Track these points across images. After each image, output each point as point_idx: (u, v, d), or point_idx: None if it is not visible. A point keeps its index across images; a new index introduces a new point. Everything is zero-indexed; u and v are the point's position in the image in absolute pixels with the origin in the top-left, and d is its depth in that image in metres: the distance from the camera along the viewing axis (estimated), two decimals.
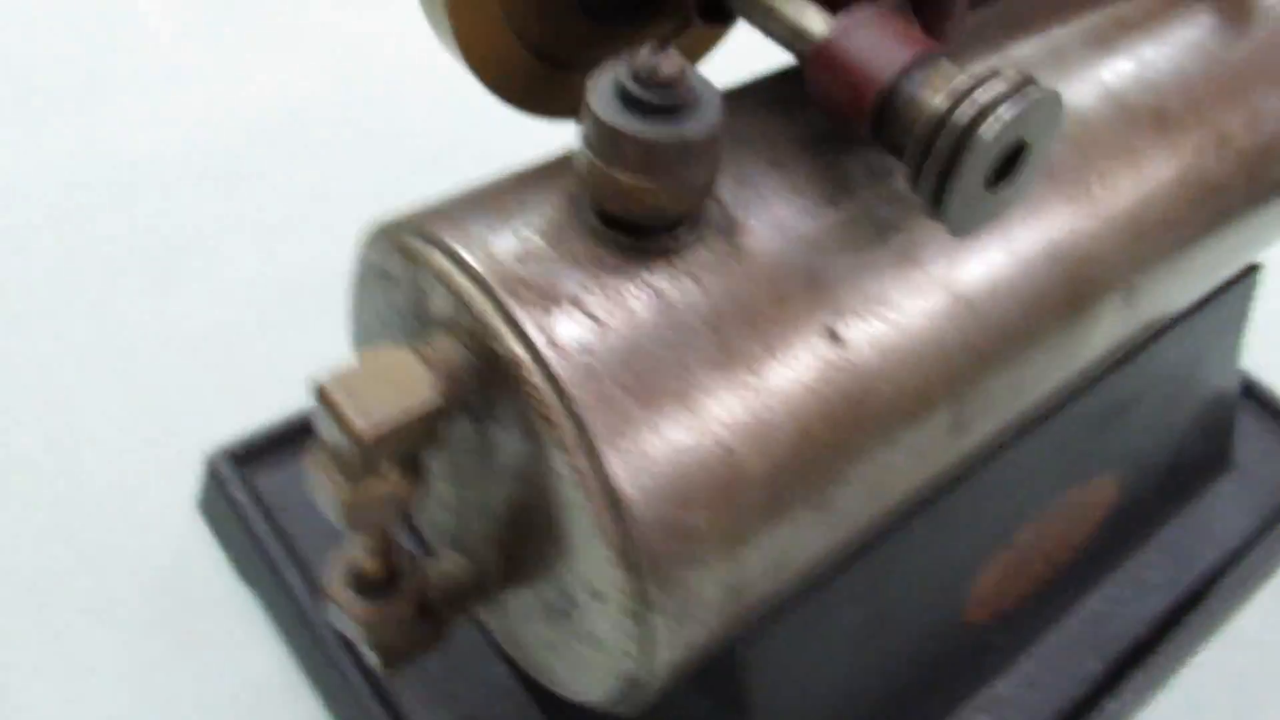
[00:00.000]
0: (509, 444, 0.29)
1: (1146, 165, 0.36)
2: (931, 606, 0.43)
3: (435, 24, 0.35)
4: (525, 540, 0.31)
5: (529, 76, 0.37)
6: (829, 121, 0.31)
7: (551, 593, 0.31)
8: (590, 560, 0.28)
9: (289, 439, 0.54)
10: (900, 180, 0.32)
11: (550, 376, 0.27)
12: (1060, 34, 0.37)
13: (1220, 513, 0.57)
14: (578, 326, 0.28)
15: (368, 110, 0.76)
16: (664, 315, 0.29)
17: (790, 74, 0.36)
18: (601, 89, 0.27)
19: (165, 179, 0.70)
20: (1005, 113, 0.26)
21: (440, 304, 0.29)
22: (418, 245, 0.30)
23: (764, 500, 0.29)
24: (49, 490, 0.54)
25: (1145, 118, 0.36)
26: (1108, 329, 0.37)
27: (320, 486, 0.29)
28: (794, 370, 0.30)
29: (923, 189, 0.28)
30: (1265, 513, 0.57)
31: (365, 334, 0.35)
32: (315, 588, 0.48)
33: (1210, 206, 0.38)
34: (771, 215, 0.31)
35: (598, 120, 0.27)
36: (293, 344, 0.61)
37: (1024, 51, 0.36)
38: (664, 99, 0.26)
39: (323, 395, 0.28)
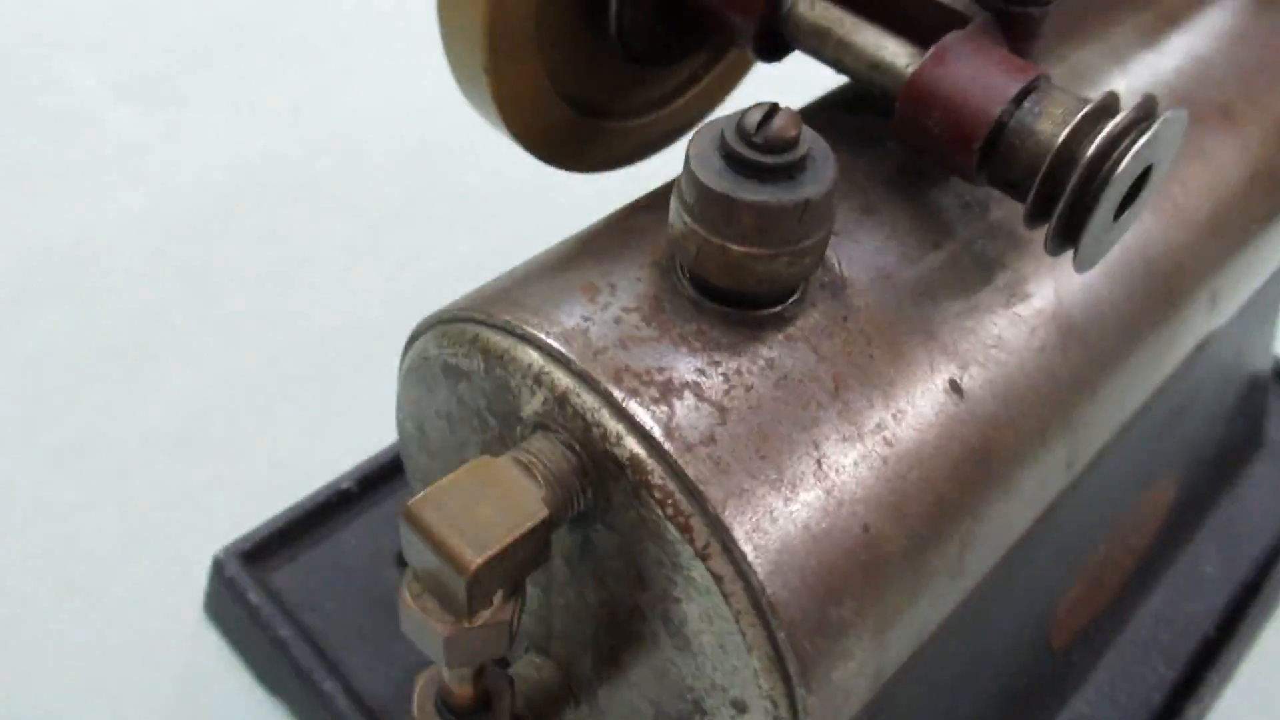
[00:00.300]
0: (624, 547, 0.27)
1: (1219, 164, 0.35)
2: (1022, 636, 0.41)
3: (468, 81, 0.32)
4: (631, 644, 0.29)
5: (567, 130, 0.34)
6: (922, 156, 0.29)
7: (671, 701, 0.29)
8: (731, 669, 0.26)
9: (299, 529, 0.50)
10: (996, 211, 0.30)
11: (677, 474, 0.25)
12: (1115, 36, 0.35)
13: (1258, 493, 0.56)
14: (697, 414, 0.25)
15: (326, 176, 0.71)
16: (785, 390, 0.26)
17: (848, 102, 0.34)
18: (705, 153, 0.24)
19: (122, 266, 0.64)
20: (1138, 143, 0.24)
21: (535, 404, 0.26)
22: (497, 340, 0.27)
23: (906, 577, 0.27)
24: (40, 626, 0.49)
25: (1213, 115, 0.35)
26: (1195, 334, 0.36)
27: (419, 625, 0.26)
28: (921, 431, 0.27)
29: (1051, 226, 0.26)
30: None
31: (423, 432, 0.32)
32: (355, 694, 0.45)
33: (1277, 197, 0.37)
34: (875, 265, 0.28)
35: (704, 188, 0.24)
36: (280, 430, 0.57)
37: (1084, 57, 0.34)
38: (781, 160, 0.24)
39: (416, 521, 0.24)
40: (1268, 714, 0.51)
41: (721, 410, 0.25)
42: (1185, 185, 0.34)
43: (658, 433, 0.25)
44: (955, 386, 0.28)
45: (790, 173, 0.24)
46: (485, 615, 0.26)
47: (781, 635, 0.25)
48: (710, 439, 0.25)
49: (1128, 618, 0.50)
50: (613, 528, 0.26)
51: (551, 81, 0.32)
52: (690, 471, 0.24)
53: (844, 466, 0.26)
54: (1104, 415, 0.32)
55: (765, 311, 0.27)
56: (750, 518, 0.25)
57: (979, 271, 0.29)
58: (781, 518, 0.25)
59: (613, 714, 0.32)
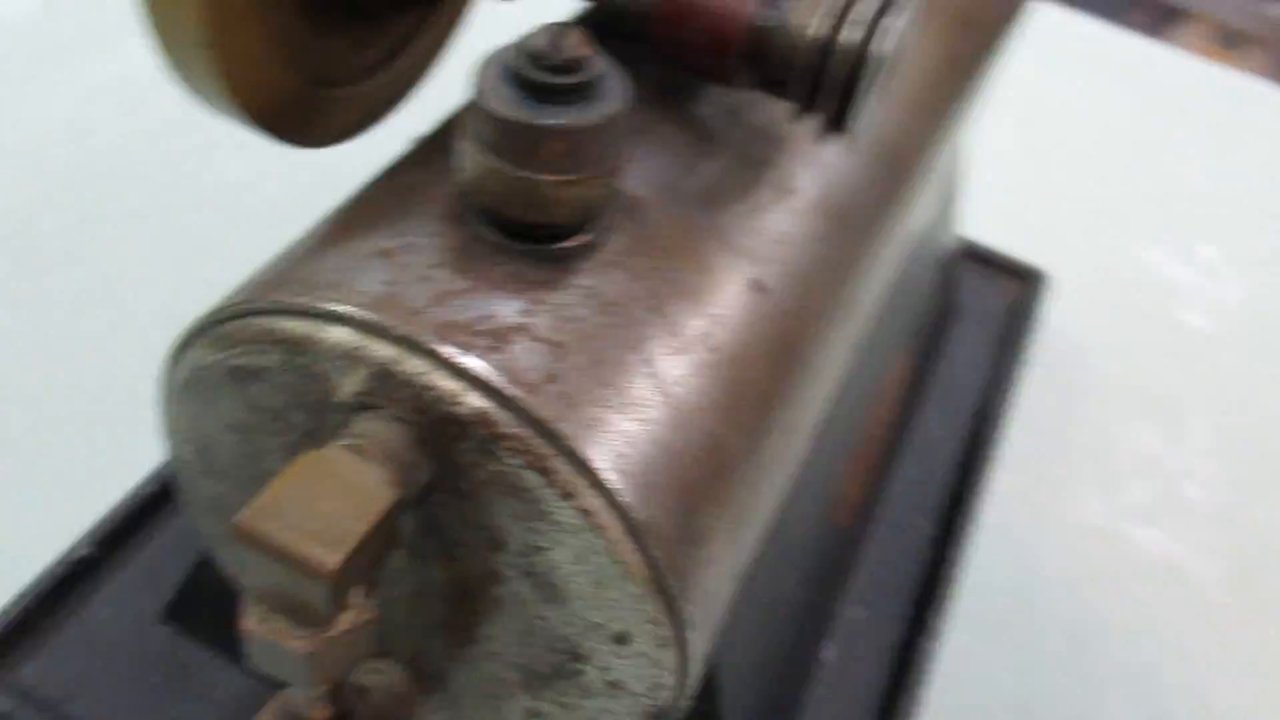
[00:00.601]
0: (474, 512, 0.25)
1: (920, 51, 0.38)
2: (814, 518, 0.44)
3: (184, 59, 0.28)
4: (488, 613, 0.28)
5: (296, 101, 0.32)
6: (682, 71, 0.29)
7: (541, 657, 0.28)
8: (610, 603, 0.25)
9: (39, 614, 0.44)
10: (756, 115, 0.31)
11: (528, 419, 0.24)
12: None
13: (962, 353, 0.62)
14: (535, 355, 0.24)
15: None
16: (611, 315, 0.26)
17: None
18: (495, 86, 0.23)
19: None
20: (898, 22, 0.26)
21: (354, 384, 0.24)
22: (292, 326, 0.25)
23: (749, 475, 0.28)
24: None
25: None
26: (921, 209, 0.39)
27: (272, 650, 0.23)
28: (737, 332, 0.28)
29: (820, 114, 0.27)
30: (991, 339, 0.63)
31: (206, 454, 0.29)
32: None
33: (959, 78, 0.41)
34: (660, 182, 0.28)
35: (505, 122, 0.23)
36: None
37: None
38: (578, 79, 0.23)
39: (252, 535, 0.22)
40: (1016, 554, 0.57)
41: (557, 346, 0.25)
42: (898, 71, 0.36)
43: (501, 381, 0.24)
44: (758, 285, 0.29)
45: (587, 92, 0.24)
46: (348, 618, 0.24)
47: (658, 554, 0.25)
48: (553, 377, 0.24)
49: (888, 487, 0.54)
50: (460, 494, 0.25)
51: (279, 49, 0.30)
52: (542, 413, 0.24)
53: (681, 378, 0.26)
54: (869, 292, 0.35)
55: (572, 242, 0.26)
56: (608, 447, 0.24)
57: (752, 173, 0.30)
58: (637, 440, 0.25)
59: (471, 694, 0.30)
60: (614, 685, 0.27)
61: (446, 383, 0.24)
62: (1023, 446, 0.61)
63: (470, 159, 0.24)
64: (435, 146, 0.29)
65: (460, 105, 0.33)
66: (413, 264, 0.25)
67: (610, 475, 0.24)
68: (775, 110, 0.31)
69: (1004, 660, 0.53)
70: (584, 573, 0.25)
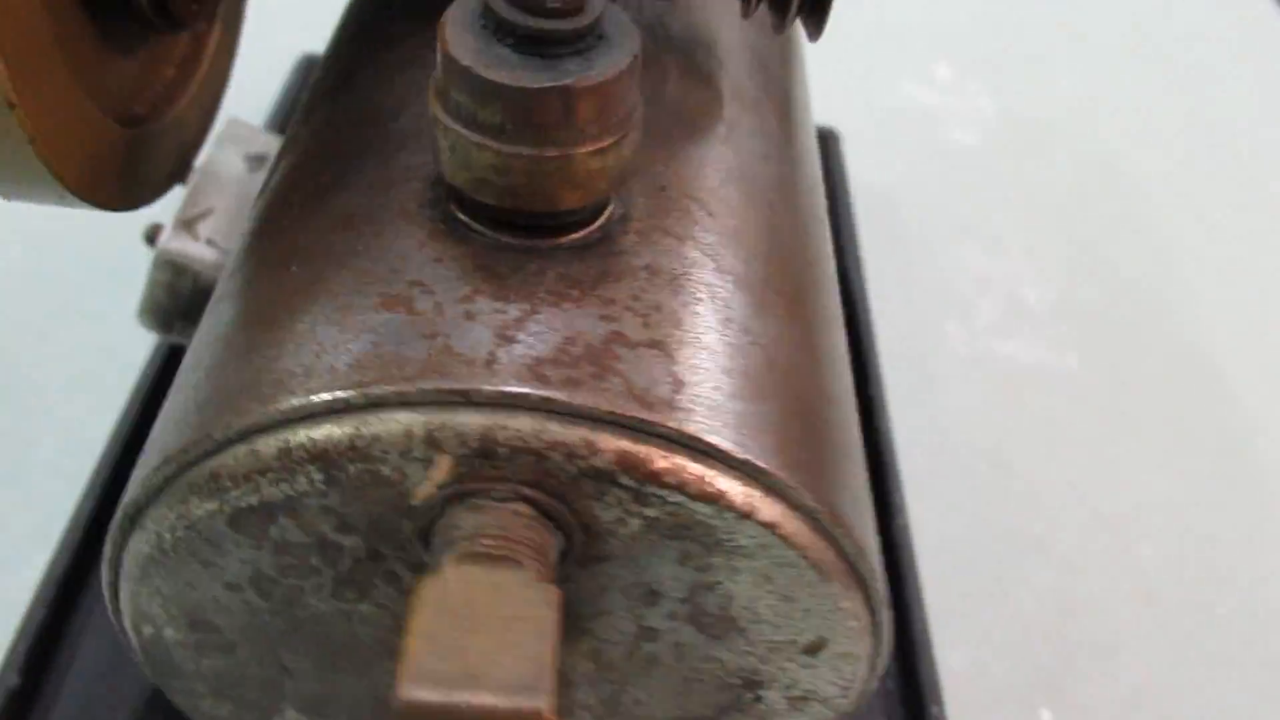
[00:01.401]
0: (619, 574, 0.20)
1: None
2: None
3: None
4: (636, 677, 0.23)
5: (113, 151, 0.24)
6: None
7: (707, 702, 0.24)
8: (800, 616, 0.21)
9: None
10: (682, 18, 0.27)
11: (680, 442, 0.19)
12: None
13: None
14: (646, 365, 0.19)
15: None
16: (683, 290, 0.21)
17: None
18: (489, 61, 0.18)
19: None
20: None
21: (440, 473, 0.19)
22: (329, 432, 0.19)
23: (845, 411, 0.24)
24: None
25: None
26: None
27: None
28: (781, 260, 0.24)
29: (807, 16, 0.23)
30: None
31: (203, 628, 0.22)
32: None
33: None
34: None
35: (523, 93, 0.18)
36: None
37: None
38: (585, 19, 0.18)
39: (427, 711, 0.16)
40: (923, 400, 0.56)
41: (659, 346, 0.20)
42: None
43: (633, 408, 0.19)
44: (770, 204, 0.25)
45: (599, 32, 0.19)
46: None
47: (846, 544, 0.21)
48: (679, 383, 0.19)
49: None
50: (599, 560, 0.20)
51: (81, 87, 0.22)
52: (690, 429, 0.19)
53: (775, 336, 0.22)
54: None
55: (602, 219, 0.21)
56: (763, 442, 0.20)
57: (710, 90, 0.26)
58: (778, 423, 0.21)
59: None
60: (802, 699, 0.23)
61: (570, 434, 0.18)
62: (880, 302, 0.61)
63: (478, 158, 0.19)
64: (316, 166, 0.24)
65: (316, 100, 0.27)
66: (440, 304, 0.19)
67: (781, 474, 0.20)
68: (703, 11, 0.27)
69: (941, 519, 0.52)
70: (769, 593, 0.21)
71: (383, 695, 0.23)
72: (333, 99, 0.27)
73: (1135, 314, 0.62)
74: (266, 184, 0.26)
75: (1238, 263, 0.65)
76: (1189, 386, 0.57)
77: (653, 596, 0.21)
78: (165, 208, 0.33)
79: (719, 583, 0.21)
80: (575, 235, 0.21)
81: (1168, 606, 0.46)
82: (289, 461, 0.19)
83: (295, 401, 0.19)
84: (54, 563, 0.32)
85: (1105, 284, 0.63)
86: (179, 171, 0.30)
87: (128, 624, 0.23)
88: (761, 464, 0.19)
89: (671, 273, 0.21)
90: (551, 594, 0.18)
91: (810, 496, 0.20)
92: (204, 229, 0.35)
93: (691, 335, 0.20)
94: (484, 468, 0.18)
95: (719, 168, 0.25)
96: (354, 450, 0.18)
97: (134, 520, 0.21)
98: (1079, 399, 0.60)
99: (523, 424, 0.18)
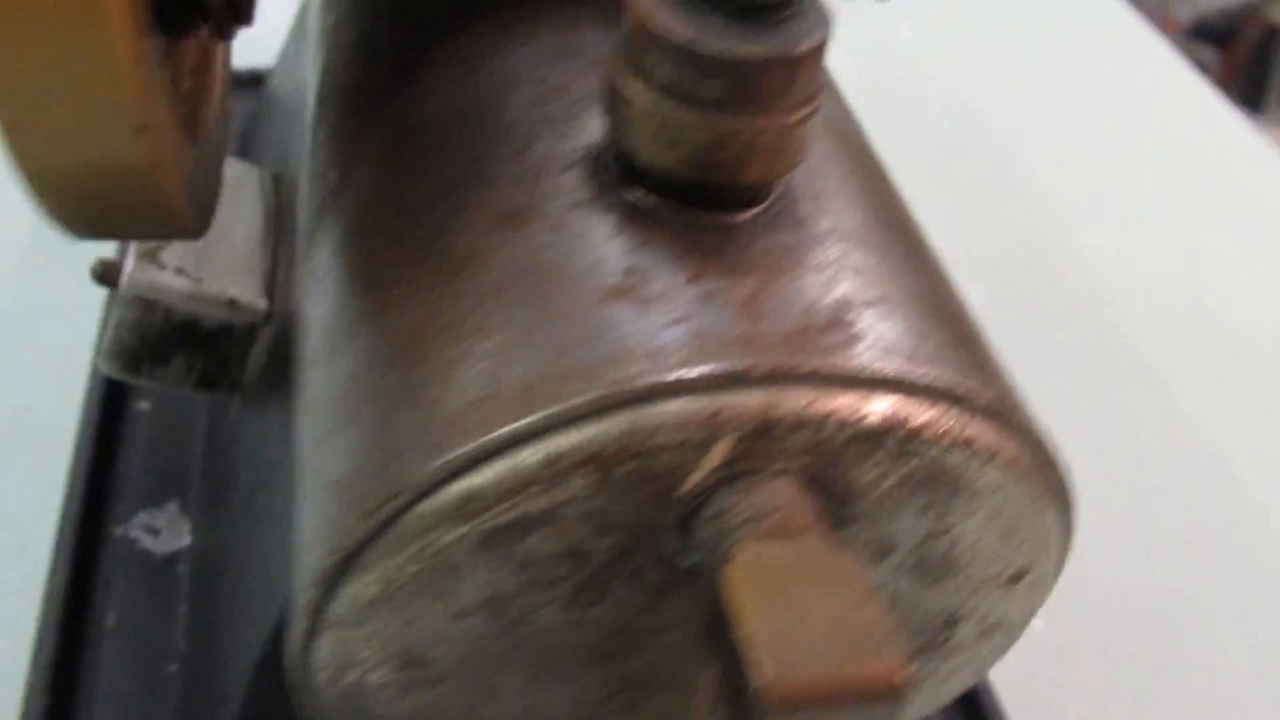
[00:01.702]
0: (871, 528, 0.21)
1: None
2: None
3: (100, 159, 0.18)
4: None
5: (190, 165, 0.22)
6: None
7: (915, 641, 0.24)
8: (1013, 548, 0.22)
9: None
10: None
11: (937, 394, 0.19)
12: None
13: None
14: (886, 323, 0.20)
15: None
16: (870, 248, 0.21)
17: None
18: (697, 36, 0.18)
19: None
20: None
21: (718, 455, 0.18)
22: (602, 430, 0.18)
23: None
24: None
25: None
26: None
27: None
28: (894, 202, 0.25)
29: None
30: None
31: (418, 663, 0.21)
32: None
33: None
34: None
35: (739, 64, 0.18)
36: None
37: None
38: None
39: (794, 697, 0.16)
40: None
41: (885, 303, 0.20)
42: None
43: (895, 367, 0.19)
44: (871, 159, 0.26)
45: (794, 7, 0.19)
46: None
47: (1060, 469, 0.22)
48: (920, 336, 0.20)
49: None
50: (851, 520, 0.20)
51: (164, 92, 0.20)
52: (941, 382, 0.19)
53: (942, 278, 0.23)
54: None
55: (779, 188, 0.21)
56: (994, 384, 0.21)
57: None
58: (985, 360, 0.21)
59: None
60: (992, 628, 0.24)
61: (842, 400, 0.18)
62: None
63: (680, 130, 0.18)
64: (412, 180, 0.23)
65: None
66: (670, 289, 0.19)
67: (1013, 414, 0.20)
68: None
69: None
70: (993, 529, 0.21)
71: (592, 700, 0.23)
72: (391, 109, 0.26)
73: (1030, 255, 0.62)
74: (333, 207, 0.25)
75: (1107, 196, 0.66)
76: (1088, 321, 0.57)
77: (884, 551, 0.21)
78: (102, 245, 0.28)
79: (952, 526, 0.21)
80: (760, 206, 0.21)
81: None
82: (555, 470, 0.18)
83: (557, 408, 0.18)
84: None
85: (994, 231, 0.63)
86: (216, 197, 0.28)
87: (322, 677, 0.21)
88: (997, 404, 0.20)
89: (856, 233, 0.21)
90: (852, 562, 0.18)
91: (1035, 430, 0.21)
92: (168, 257, 0.33)
93: (904, 290, 0.21)
94: (759, 446, 0.18)
95: (824, 127, 0.25)
96: (628, 447, 0.18)
97: (347, 565, 0.20)
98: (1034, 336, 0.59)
99: (796, 397, 0.18)
